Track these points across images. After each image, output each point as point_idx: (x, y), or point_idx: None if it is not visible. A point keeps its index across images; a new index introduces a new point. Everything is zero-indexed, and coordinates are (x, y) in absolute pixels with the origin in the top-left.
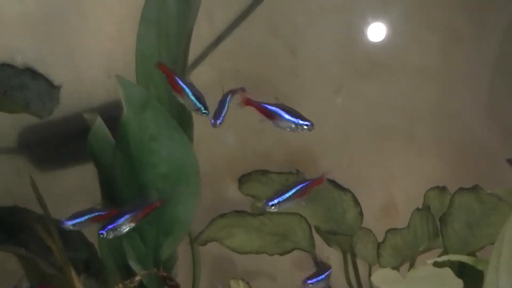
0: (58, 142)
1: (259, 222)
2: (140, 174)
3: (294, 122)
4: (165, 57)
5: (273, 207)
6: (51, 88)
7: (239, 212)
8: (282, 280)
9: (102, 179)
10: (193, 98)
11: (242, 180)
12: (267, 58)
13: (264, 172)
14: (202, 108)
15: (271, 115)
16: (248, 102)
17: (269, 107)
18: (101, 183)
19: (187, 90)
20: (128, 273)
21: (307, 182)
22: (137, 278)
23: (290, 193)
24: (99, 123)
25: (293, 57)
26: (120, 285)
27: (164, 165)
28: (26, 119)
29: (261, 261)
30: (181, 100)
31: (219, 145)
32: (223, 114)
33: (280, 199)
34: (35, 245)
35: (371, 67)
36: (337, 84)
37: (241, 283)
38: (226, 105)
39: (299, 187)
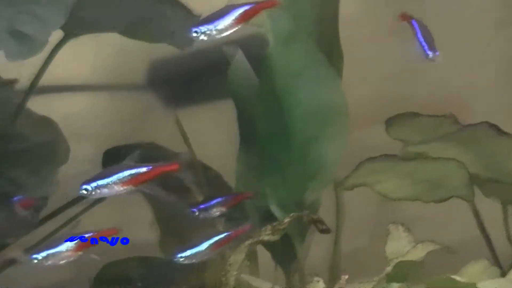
0: (192, 78)
1: (412, 168)
2: (284, 112)
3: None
4: None
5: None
6: (192, 17)
7: (389, 156)
8: (445, 228)
9: (241, 118)
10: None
11: (391, 122)
12: None
13: (415, 115)
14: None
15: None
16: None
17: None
18: (240, 121)
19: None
20: (268, 218)
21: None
22: (286, 220)
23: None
24: (240, 57)
25: None
26: (269, 227)
27: (310, 103)
28: (155, 52)
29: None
30: None
31: (365, 85)
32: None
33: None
34: (172, 185)
35: None
36: (499, 22)
37: (401, 228)
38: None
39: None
